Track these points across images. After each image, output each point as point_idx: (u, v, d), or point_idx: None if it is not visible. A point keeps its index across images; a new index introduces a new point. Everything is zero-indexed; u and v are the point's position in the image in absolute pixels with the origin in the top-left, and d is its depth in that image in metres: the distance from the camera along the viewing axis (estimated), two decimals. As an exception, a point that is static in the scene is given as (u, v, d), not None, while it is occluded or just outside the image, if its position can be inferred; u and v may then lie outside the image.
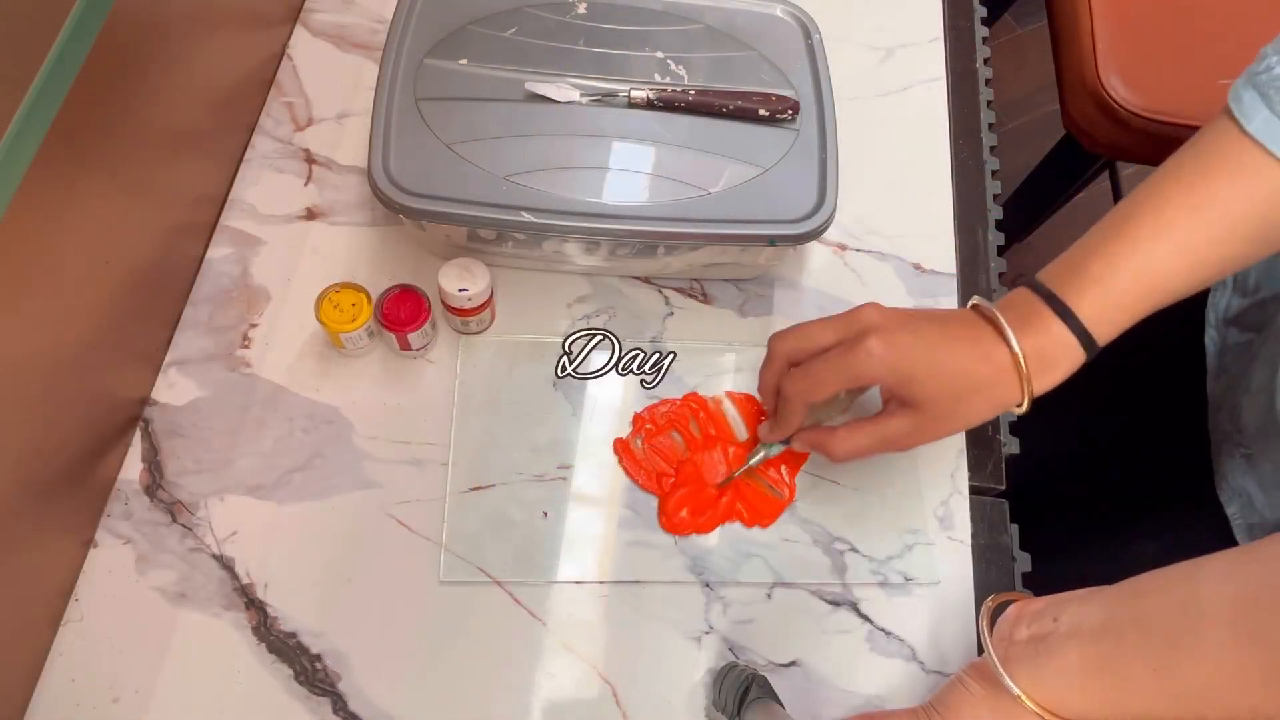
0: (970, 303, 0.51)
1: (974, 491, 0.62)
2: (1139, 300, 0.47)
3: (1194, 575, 0.39)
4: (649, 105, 0.59)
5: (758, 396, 0.57)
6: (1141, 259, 0.47)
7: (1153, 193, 0.48)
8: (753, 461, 0.58)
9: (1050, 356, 0.47)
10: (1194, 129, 0.50)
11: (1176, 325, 0.67)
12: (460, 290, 0.57)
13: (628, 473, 0.59)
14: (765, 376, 0.54)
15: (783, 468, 0.60)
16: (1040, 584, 0.59)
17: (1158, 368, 0.72)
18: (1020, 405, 0.48)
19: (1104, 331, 0.47)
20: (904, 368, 0.48)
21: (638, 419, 0.61)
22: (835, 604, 0.58)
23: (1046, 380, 0.48)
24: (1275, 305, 0.60)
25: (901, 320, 0.49)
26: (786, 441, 0.56)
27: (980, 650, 0.44)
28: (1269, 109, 0.45)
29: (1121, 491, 0.75)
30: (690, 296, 0.66)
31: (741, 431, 0.61)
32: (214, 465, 0.58)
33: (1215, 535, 0.60)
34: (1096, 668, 0.40)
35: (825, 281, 0.67)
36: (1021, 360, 0.47)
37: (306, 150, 0.68)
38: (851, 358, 0.48)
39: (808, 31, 0.64)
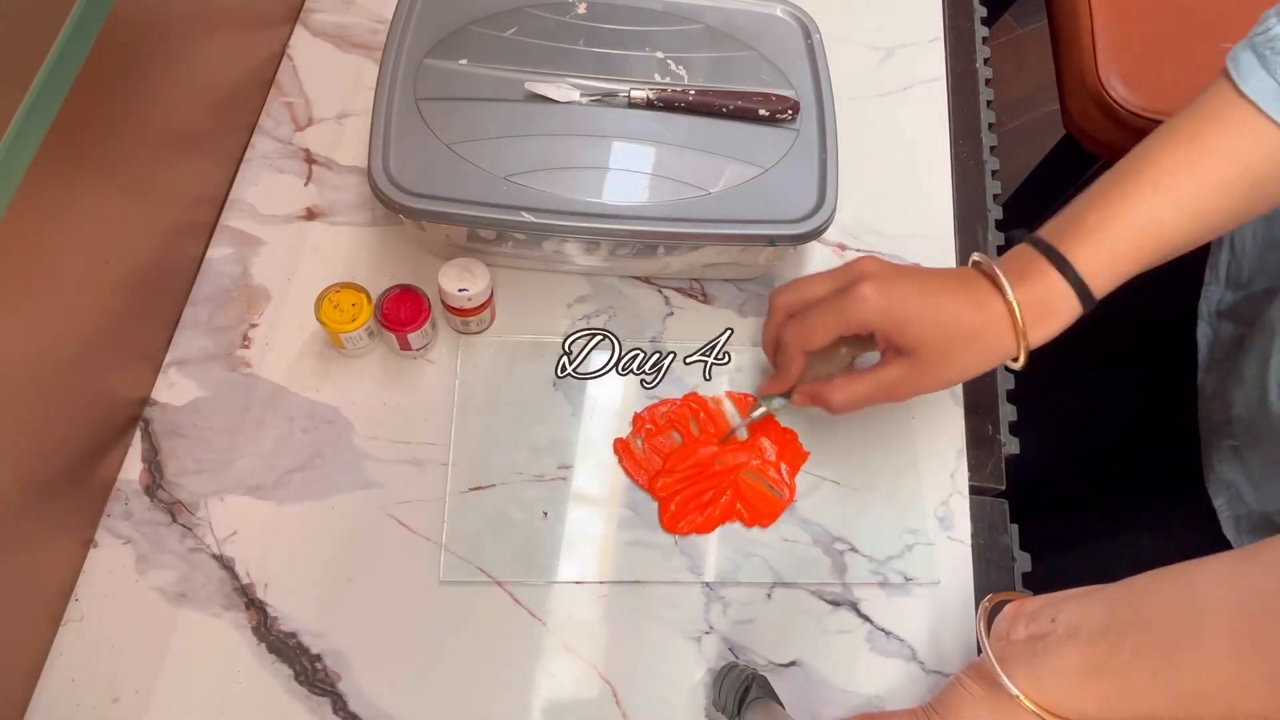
0: (971, 259, 0.51)
1: (974, 491, 0.62)
2: (1135, 251, 0.48)
3: (1194, 579, 0.39)
4: (649, 105, 0.59)
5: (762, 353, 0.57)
6: (1138, 211, 0.47)
7: (1149, 150, 0.49)
8: (754, 415, 0.59)
9: (1046, 307, 0.48)
10: None
11: (1169, 318, 0.67)
12: (460, 290, 0.57)
13: (628, 473, 0.59)
14: (766, 330, 0.55)
15: (783, 467, 0.60)
16: (1034, 577, 0.60)
17: (1151, 361, 0.72)
18: (1016, 359, 0.49)
19: (1101, 283, 0.48)
20: (897, 312, 0.48)
21: (638, 419, 0.61)
22: (835, 604, 0.58)
23: (1043, 331, 0.48)
24: (1267, 299, 0.60)
25: (896, 269, 0.50)
26: (788, 396, 0.56)
27: (980, 650, 0.44)
28: (1264, 69, 0.46)
29: (1115, 484, 0.75)
30: (690, 296, 0.66)
31: (741, 431, 0.61)
32: (214, 465, 0.58)
33: (1205, 528, 0.61)
34: (1095, 669, 0.40)
35: (825, 281, 0.67)
36: (1016, 309, 0.47)
37: (306, 150, 0.68)
38: (845, 302, 0.49)
39: (808, 31, 0.64)
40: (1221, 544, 0.60)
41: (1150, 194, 0.47)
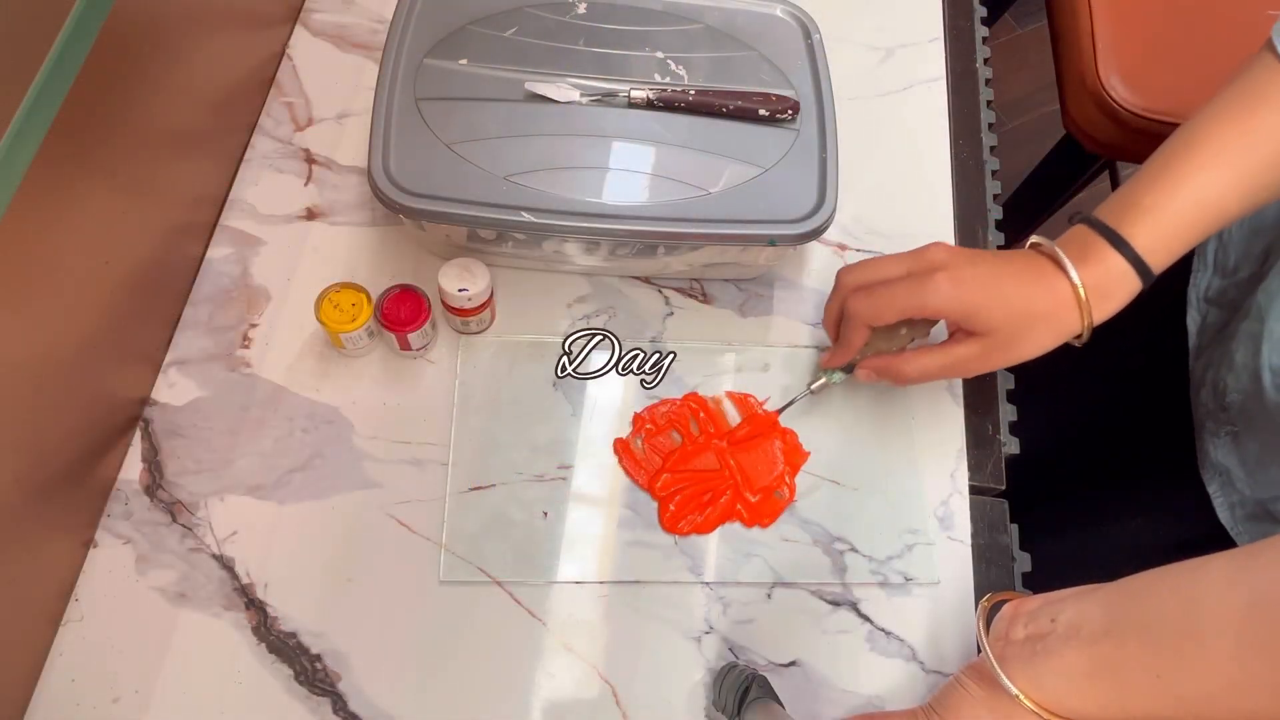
0: (1029, 242, 0.53)
1: (974, 491, 0.62)
2: (1191, 228, 0.49)
3: (1196, 580, 0.39)
4: (649, 105, 0.59)
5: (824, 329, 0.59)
6: (1191, 190, 0.49)
7: (1200, 127, 0.50)
8: (814, 387, 0.60)
9: (1108, 286, 0.49)
10: None
11: (1160, 306, 0.68)
12: (460, 290, 0.57)
13: (628, 473, 0.59)
14: (831, 305, 0.57)
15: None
16: (1031, 569, 0.60)
17: (1143, 349, 0.72)
18: (1080, 336, 0.51)
19: (1159, 260, 0.49)
20: (969, 301, 0.50)
21: (638, 419, 0.61)
22: (835, 604, 0.58)
23: (1105, 309, 0.50)
24: (1251, 284, 0.60)
25: (967, 257, 0.52)
26: (849, 370, 0.58)
27: (979, 650, 0.44)
28: None
29: (1109, 471, 0.75)
30: (690, 296, 0.66)
31: (798, 405, 0.61)
32: (214, 465, 0.58)
33: (1197, 513, 0.61)
34: (1095, 670, 0.40)
35: (825, 281, 0.67)
36: (1081, 291, 0.49)
37: (306, 150, 0.68)
38: (919, 288, 0.51)
39: (808, 31, 0.64)
40: (1214, 529, 0.60)
41: (1201, 172, 0.49)
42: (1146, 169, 0.51)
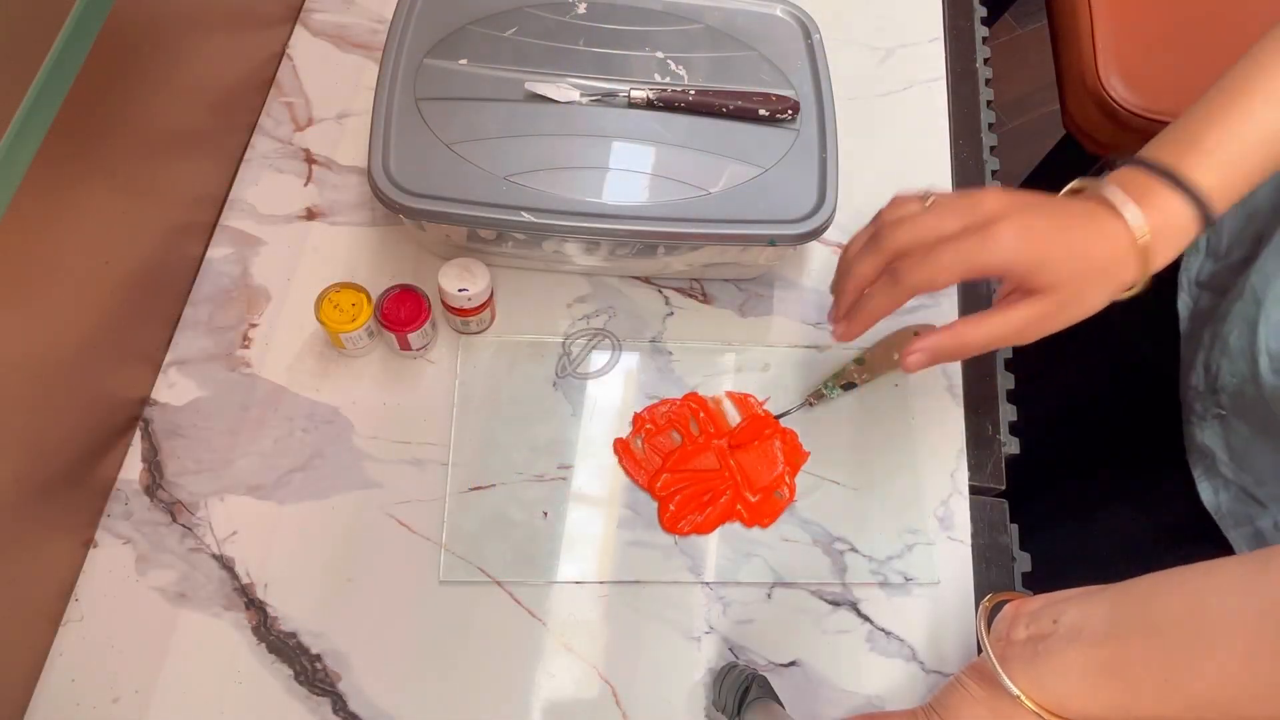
0: (1070, 186, 0.49)
1: (974, 491, 0.62)
2: (1257, 167, 0.47)
3: (1205, 585, 0.39)
4: (649, 105, 0.59)
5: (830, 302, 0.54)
6: (1255, 127, 0.46)
7: (1257, 63, 0.47)
8: (811, 398, 0.61)
9: (1169, 232, 0.46)
10: None
11: (1150, 290, 0.67)
12: (460, 290, 0.57)
13: (628, 473, 0.59)
14: (866, 268, 0.50)
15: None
16: (1030, 565, 0.60)
17: (1131, 334, 0.72)
18: (1133, 288, 0.47)
19: (1223, 203, 0.46)
20: (1035, 254, 0.46)
21: (638, 419, 0.61)
22: (835, 604, 0.58)
23: (1164, 257, 0.47)
24: (1243, 267, 0.60)
25: (1025, 203, 0.47)
26: (848, 387, 0.59)
27: (980, 650, 0.44)
28: None
29: (1099, 458, 0.75)
30: (690, 296, 0.66)
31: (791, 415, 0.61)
32: (214, 465, 0.58)
33: (1185, 499, 0.61)
34: (1099, 672, 0.40)
35: (825, 281, 0.67)
36: (1146, 236, 0.45)
37: (306, 150, 0.68)
38: (982, 244, 0.45)
39: (808, 31, 0.64)
40: (1202, 517, 0.60)
41: (1263, 107, 0.46)
42: (1199, 109, 0.48)
